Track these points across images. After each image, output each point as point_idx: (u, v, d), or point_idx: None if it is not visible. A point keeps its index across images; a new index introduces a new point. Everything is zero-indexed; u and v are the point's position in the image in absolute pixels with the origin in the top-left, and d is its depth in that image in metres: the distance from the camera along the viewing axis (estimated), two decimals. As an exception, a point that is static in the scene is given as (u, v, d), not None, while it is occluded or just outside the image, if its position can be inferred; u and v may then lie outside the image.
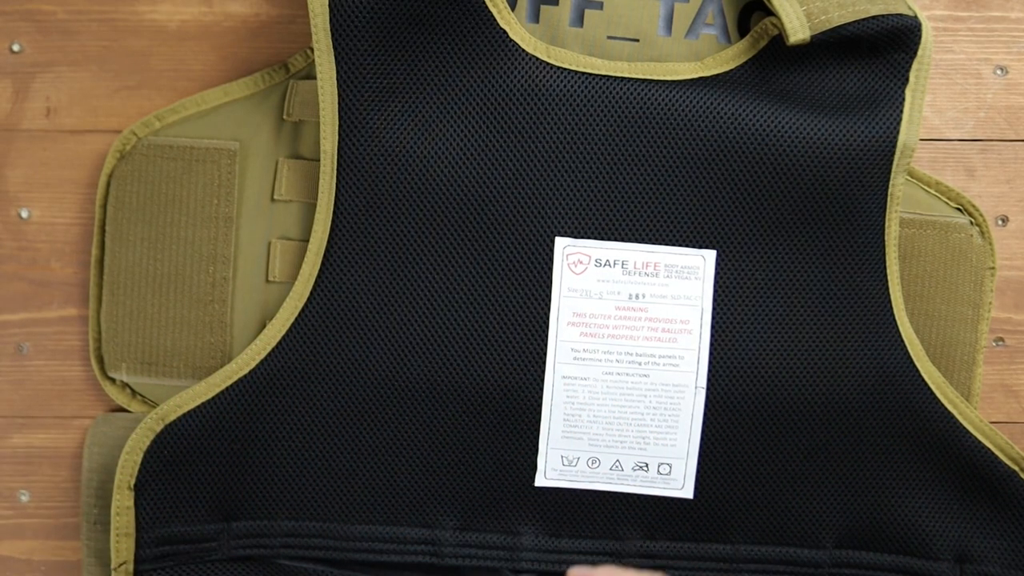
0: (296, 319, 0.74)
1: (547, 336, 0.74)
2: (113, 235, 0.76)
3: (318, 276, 0.74)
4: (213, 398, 0.75)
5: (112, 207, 0.76)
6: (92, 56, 0.79)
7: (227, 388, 0.75)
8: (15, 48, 0.79)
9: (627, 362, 0.75)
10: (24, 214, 0.79)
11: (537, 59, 0.73)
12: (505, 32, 0.72)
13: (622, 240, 0.74)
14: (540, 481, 0.76)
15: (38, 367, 0.80)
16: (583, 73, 0.73)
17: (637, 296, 0.75)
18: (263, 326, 0.76)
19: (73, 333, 0.80)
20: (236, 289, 0.77)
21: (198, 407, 0.75)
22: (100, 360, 0.78)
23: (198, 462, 0.75)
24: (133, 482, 0.74)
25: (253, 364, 0.75)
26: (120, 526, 0.74)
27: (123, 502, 0.74)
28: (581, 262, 0.74)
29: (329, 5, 0.71)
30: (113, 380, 0.78)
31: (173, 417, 0.75)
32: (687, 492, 0.77)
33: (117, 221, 0.76)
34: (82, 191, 0.79)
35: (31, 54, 0.79)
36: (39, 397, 0.80)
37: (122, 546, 0.74)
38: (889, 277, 0.75)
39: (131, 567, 0.74)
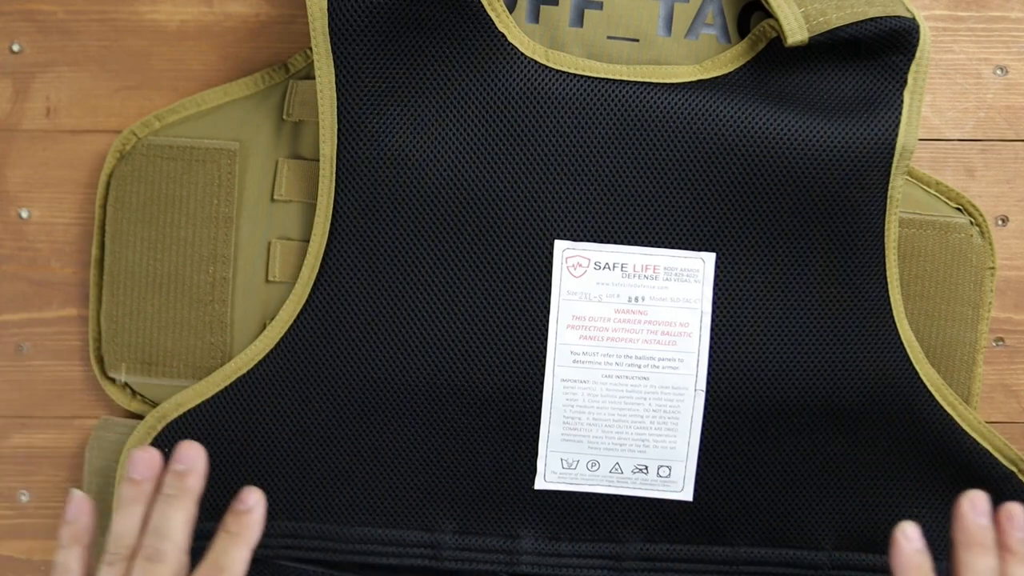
0: (295, 320, 0.74)
1: (546, 339, 0.74)
2: (113, 235, 0.76)
3: (316, 278, 0.74)
4: (213, 397, 0.75)
5: (112, 207, 0.76)
6: (92, 56, 0.79)
7: (228, 387, 0.75)
8: (15, 48, 0.79)
9: (627, 365, 0.75)
10: (24, 214, 0.79)
11: (536, 62, 0.73)
12: (504, 35, 0.72)
13: (621, 243, 0.74)
14: (539, 484, 0.77)
15: (38, 367, 0.80)
16: (582, 76, 0.73)
17: (636, 299, 0.75)
18: (263, 326, 0.76)
19: (73, 333, 0.80)
20: (236, 289, 0.77)
21: (198, 406, 0.75)
22: (100, 360, 0.78)
23: (198, 460, 0.75)
24: (134, 476, 0.75)
25: (253, 363, 0.75)
26: (120, 519, 0.75)
27: (124, 495, 0.75)
28: (580, 265, 0.74)
29: (328, 9, 0.71)
30: (113, 380, 0.78)
31: (173, 416, 0.75)
32: (687, 495, 0.77)
33: (117, 221, 0.76)
34: (82, 191, 0.79)
35: (31, 54, 0.79)
36: (39, 397, 0.80)
37: (122, 539, 0.75)
38: (889, 279, 0.75)
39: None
